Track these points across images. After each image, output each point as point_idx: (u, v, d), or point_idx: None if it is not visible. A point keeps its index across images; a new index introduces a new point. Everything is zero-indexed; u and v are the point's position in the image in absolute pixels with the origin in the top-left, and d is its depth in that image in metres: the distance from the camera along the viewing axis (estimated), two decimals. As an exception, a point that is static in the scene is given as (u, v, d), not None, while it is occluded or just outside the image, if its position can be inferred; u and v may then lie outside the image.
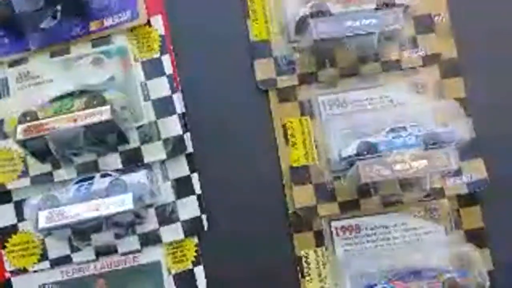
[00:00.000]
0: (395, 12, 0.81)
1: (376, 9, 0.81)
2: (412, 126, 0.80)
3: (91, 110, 0.76)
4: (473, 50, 0.87)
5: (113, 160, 0.82)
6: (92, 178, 0.80)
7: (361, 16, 0.80)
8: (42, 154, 0.78)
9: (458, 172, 0.83)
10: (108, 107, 0.76)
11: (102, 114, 0.76)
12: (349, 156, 0.80)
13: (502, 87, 0.87)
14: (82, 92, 0.80)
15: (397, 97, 0.86)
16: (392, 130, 0.80)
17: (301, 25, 0.83)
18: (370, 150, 0.78)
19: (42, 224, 0.74)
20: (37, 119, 0.76)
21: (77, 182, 0.80)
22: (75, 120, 0.75)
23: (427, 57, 0.87)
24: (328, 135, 0.84)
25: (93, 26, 0.86)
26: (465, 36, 0.87)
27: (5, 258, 0.82)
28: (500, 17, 0.89)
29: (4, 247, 0.82)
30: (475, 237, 0.83)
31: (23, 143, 0.76)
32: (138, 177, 0.79)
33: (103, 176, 0.80)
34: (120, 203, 0.75)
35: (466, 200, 0.84)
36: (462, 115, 0.83)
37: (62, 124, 0.75)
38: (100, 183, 0.78)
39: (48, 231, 0.76)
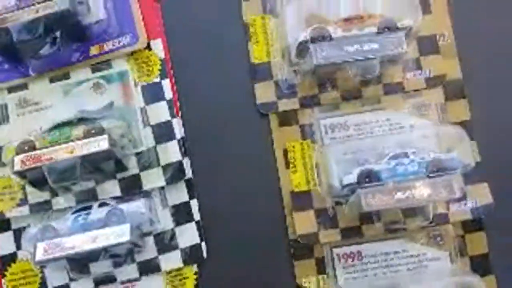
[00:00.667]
0: (397, 35, 0.79)
1: (378, 33, 0.80)
2: (415, 153, 0.78)
3: (88, 140, 0.76)
4: (478, 71, 0.85)
5: (112, 188, 0.82)
6: (90, 207, 0.79)
7: (363, 41, 0.79)
8: (40, 183, 0.78)
9: (462, 197, 0.81)
10: (105, 136, 0.76)
11: (99, 144, 0.75)
12: (351, 184, 0.78)
13: (507, 109, 0.86)
14: (80, 120, 0.80)
15: (399, 121, 0.84)
16: (394, 156, 0.78)
17: (302, 49, 0.81)
18: (371, 177, 0.77)
19: (40, 256, 0.74)
20: (35, 148, 0.76)
21: (74, 212, 0.79)
22: (71, 152, 0.74)
23: (431, 79, 0.85)
24: (330, 160, 0.82)
25: (93, 50, 0.85)
26: (470, 57, 0.86)
27: (4, 287, 0.82)
28: (506, 38, 0.87)
29: (3, 275, 0.82)
30: (480, 264, 0.82)
31: (20, 174, 0.76)
32: (136, 206, 0.79)
33: (101, 205, 0.79)
34: (117, 235, 0.74)
35: (471, 226, 0.83)
36: (467, 140, 0.81)
37: (59, 155, 0.75)
38: (97, 212, 0.78)
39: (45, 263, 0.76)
